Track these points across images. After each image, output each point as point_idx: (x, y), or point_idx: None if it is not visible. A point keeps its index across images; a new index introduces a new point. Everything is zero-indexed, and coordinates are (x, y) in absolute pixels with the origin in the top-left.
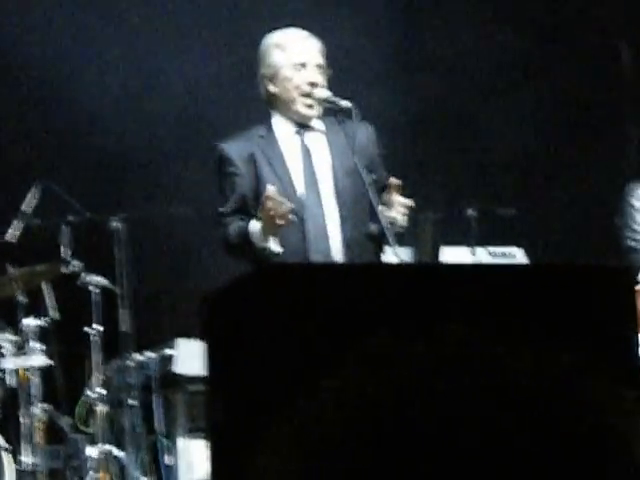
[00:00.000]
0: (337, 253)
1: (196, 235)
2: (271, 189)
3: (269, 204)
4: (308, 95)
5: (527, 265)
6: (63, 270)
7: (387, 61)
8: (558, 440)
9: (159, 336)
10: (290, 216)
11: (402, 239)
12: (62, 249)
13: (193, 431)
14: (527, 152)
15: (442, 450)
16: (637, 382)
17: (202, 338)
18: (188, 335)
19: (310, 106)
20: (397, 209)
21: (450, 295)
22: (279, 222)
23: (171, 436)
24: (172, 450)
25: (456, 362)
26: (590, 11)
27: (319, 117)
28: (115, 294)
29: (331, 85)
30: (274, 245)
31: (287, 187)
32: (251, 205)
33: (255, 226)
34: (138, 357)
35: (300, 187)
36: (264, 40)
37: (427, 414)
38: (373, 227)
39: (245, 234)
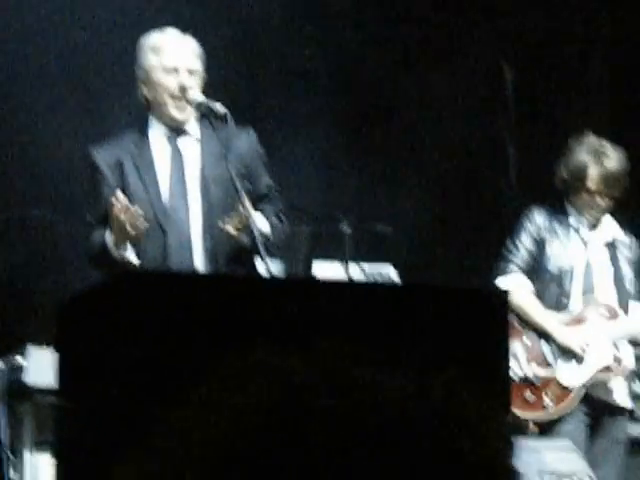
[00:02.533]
0: (200, 265)
1: (50, 237)
2: (119, 195)
3: (116, 211)
4: (179, 99)
5: (404, 285)
6: None
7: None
8: (429, 458)
9: (9, 342)
10: (143, 224)
11: (274, 251)
12: None
13: (41, 445)
14: (406, 166)
15: (315, 468)
16: (507, 401)
17: (54, 347)
18: (41, 342)
19: (182, 109)
20: (233, 222)
21: (323, 311)
22: (130, 230)
23: (17, 450)
24: (18, 465)
25: (328, 380)
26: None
27: (197, 121)
28: None
29: (207, 89)
30: (131, 255)
31: (153, 194)
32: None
33: (110, 236)
34: None
35: (167, 194)
36: (139, 41)
37: (300, 433)
38: (243, 237)
39: (103, 245)
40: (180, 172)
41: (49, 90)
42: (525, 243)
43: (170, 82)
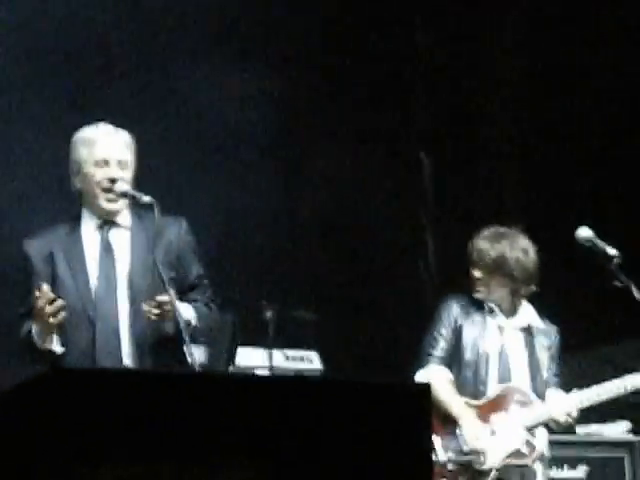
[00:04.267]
0: (127, 355)
1: None
2: (43, 287)
3: (39, 302)
4: (109, 190)
5: (326, 380)
6: None
7: None
8: None
9: None
10: (61, 314)
11: (202, 339)
12: None
13: None
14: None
15: None
16: None
17: None
18: None
19: (112, 201)
20: (152, 304)
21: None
22: (51, 320)
23: None
24: None
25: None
26: None
27: (130, 212)
28: None
29: (139, 179)
30: (55, 345)
31: (82, 286)
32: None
33: (35, 327)
34: None
35: (95, 285)
36: (73, 136)
37: None
38: (169, 325)
39: (29, 336)
40: (109, 263)
41: None
42: (442, 333)
43: (100, 174)
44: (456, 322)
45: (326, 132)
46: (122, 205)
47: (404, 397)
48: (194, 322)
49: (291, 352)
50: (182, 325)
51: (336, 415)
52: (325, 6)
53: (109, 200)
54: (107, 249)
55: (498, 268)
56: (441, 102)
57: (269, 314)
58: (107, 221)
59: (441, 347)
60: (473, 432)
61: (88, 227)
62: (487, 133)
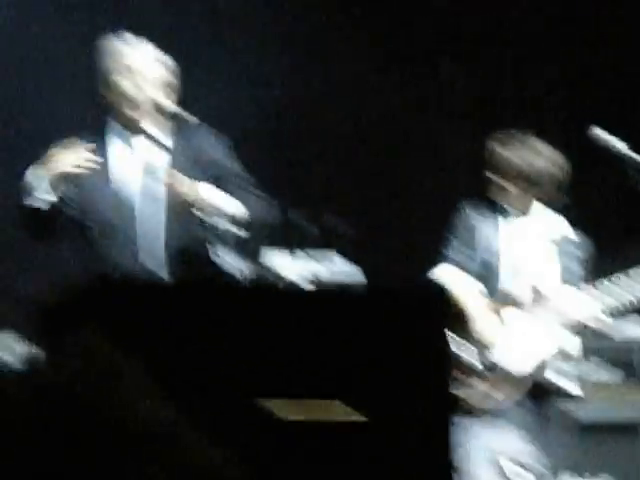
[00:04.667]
0: (167, 272)
1: None
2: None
3: (75, 155)
4: (133, 101)
5: (342, 287)
6: None
7: None
8: None
9: None
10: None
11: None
12: None
13: None
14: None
15: None
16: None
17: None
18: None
19: (136, 110)
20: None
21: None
22: (70, 169)
23: None
24: None
25: None
26: None
27: (163, 128)
28: None
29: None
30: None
31: (117, 189)
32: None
33: (35, 173)
34: None
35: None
36: (100, 43)
37: None
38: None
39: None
40: (153, 181)
41: None
42: (458, 235)
43: (125, 84)
44: (471, 224)
45: None
46: (146, 114)
47: (418, 301)
48: (241, 214)
49: (317, 253)
50: (222, 226)
51: (352, 320)
52: None
53: (133, 109)
54: (149, 168)
55: (513, 171)
56: None
57: (295, 216)
58: (134, 129)
59: (456, 248)
60: (481, 327)
61: (115, 137)
62: None
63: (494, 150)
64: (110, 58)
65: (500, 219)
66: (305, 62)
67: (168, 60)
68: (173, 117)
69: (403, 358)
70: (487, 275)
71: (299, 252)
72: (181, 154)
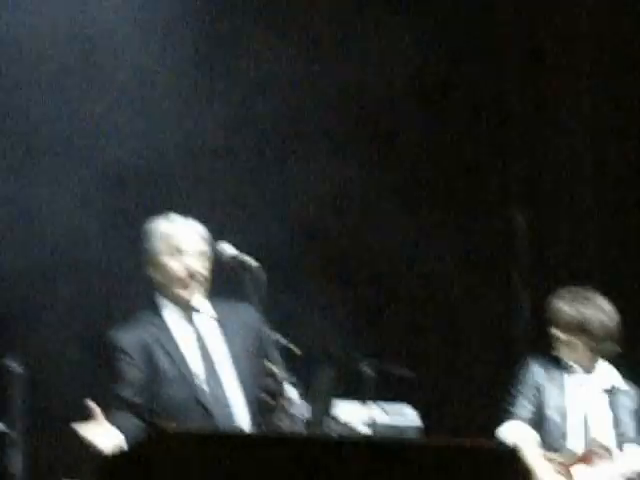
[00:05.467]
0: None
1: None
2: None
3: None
4: (187, 280)
5: (420, 441)
6: None
7: None
8: None
9: None
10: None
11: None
12: None
13: None
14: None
15: None
16: None
17: None
18: None
19: (190, 288)
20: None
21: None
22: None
23: None
24: None
25: None
26: None
27: (205, 298)
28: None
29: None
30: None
31: (187, 376)
32: (143, 397)
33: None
34: None
35: (199, 373)
36: (146, 227)
37: None
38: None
39: None
40: (205, 350)
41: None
42: (523, 392)
43: (176, 265)
44: (537, 381)
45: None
46: (199, 292)
47: (493, 458)
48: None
49: (389, 406)
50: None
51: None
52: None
53: (186, 289)
54: (199, 337)
55: (579, 327)
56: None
57: (366, 368)
58: (187, 308)
59: (522, 405)
60: None
61: (171, 314)
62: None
63: (553, 304)
64: (158, 239)
65: (565, 376)
66: None
67: (205, 231)
68: (238, 262)
69: None
70: (554, 433)
71: (373, 405)
72: (228, 323)
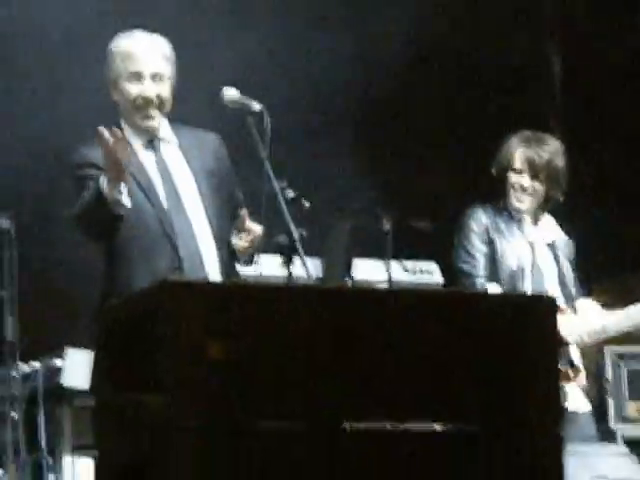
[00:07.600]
0: (212, 271)
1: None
2: (114, 130)
3: (112, 145)
4: (146, 107)
5: (448, 291)
6: None
7: None
8: None
9: (47, 345)
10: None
11: (311, 250)
12: None
13: (80, 448)
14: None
15: None
16: (556, 405)
17: (98, 349)
18: (79, 345)
19: (149, 118)
20: (245, 237)
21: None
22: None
23: (56, 453)
24: (57, 468)
25: None
26: None
27: (169, 123)
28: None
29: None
30: (125, 198)
31: (157, 205)
32: None
33: (105, 179)
34: (23, 367)
35: (163, 200)
36: (108, 45)
37: None
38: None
39: (98, 192)
40: (169, 178)
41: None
42: (478, 248)
43: (134, 90)
44: (488, 235)
45: None
46: (160, 119)
47: (529, 309)
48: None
49: (410, 263)
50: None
51: (458, 325)
52: None
53: (146, 117)
54: (165, 169)
55: (540, 169)
56: None
57: (387, 224)
58: (149, 134)
59: (482, 265)
60: None
61: (136, 142)
62: None
63: (515, 148)
64: (119, 61)
65: (515, 229)
66: None
67: (170, 49)
68: (239, 105)
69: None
70: (508, 288)
71: (395, 263)
72: (191, 150)
